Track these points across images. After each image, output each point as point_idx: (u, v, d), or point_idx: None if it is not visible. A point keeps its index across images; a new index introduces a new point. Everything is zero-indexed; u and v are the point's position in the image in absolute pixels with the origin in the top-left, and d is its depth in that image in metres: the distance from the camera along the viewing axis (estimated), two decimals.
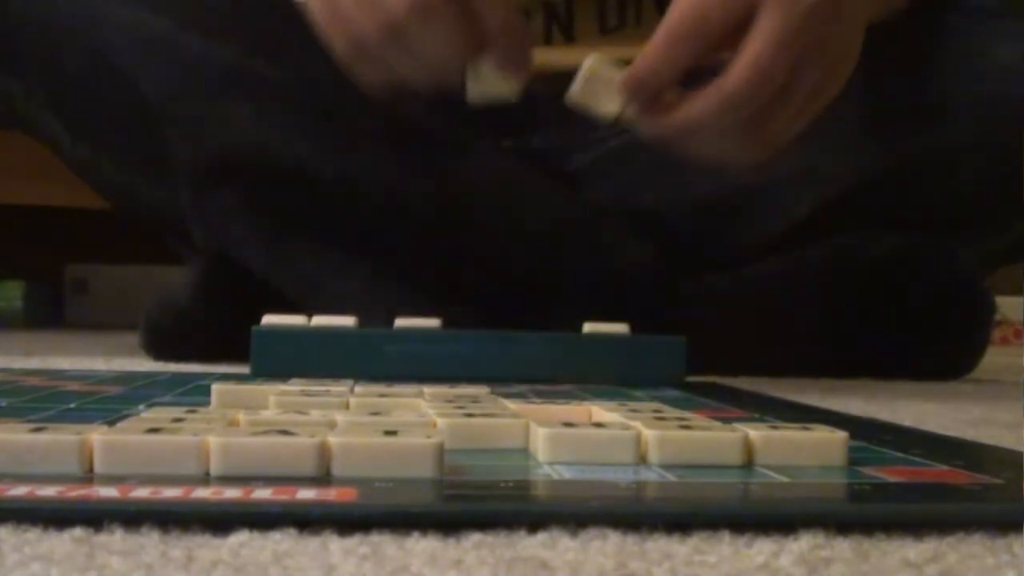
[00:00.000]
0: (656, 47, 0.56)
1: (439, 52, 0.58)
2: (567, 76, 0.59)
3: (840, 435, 0.30)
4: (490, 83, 0.59)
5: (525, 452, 0.31)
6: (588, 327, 0.59)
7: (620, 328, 0.59)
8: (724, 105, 0.55)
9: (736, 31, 0.56)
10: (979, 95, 0.72)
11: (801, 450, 0.29)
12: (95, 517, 0.22)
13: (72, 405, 0.40)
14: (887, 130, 0.74)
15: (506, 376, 0.56)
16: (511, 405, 0.37)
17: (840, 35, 0.58)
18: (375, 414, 0.33)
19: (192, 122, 0.70)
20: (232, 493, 0.23)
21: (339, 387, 0.43)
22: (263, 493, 0.23)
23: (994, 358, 0.84)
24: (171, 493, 0.23)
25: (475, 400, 0.39)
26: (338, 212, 0.70)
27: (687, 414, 0.35)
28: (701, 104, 0.56)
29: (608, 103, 0.58)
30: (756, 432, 0.29)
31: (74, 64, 0.72)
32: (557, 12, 0.80)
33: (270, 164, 0.70)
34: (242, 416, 0.31)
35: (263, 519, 0.22)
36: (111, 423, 0.29)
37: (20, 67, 0.75)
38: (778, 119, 0.58)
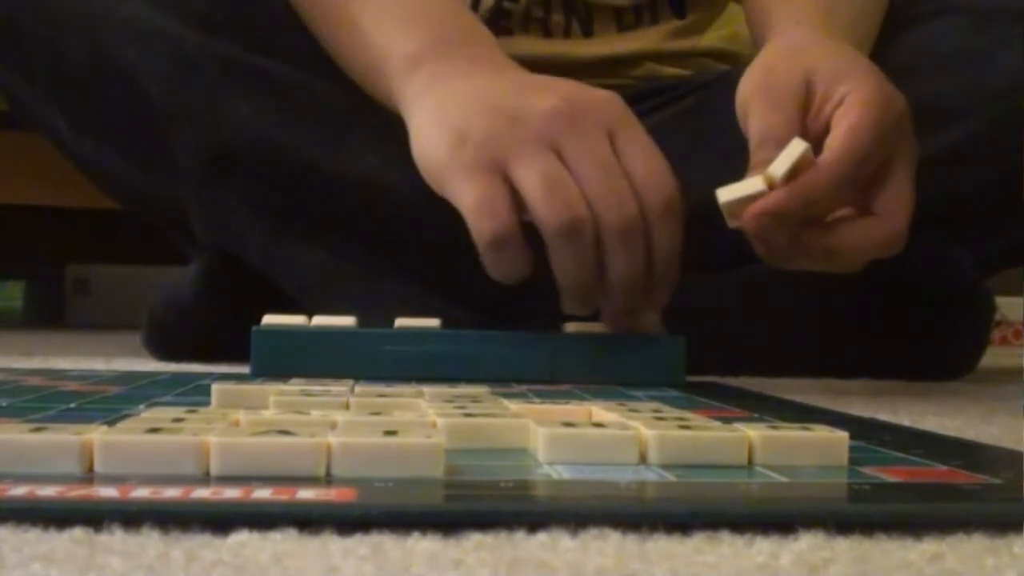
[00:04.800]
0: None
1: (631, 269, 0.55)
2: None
3: (840, 435, 0.30)
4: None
5: (525, 452, 0.31)
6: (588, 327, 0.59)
7: None
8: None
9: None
10: (980, 98, 0.72)
11: (801, 450, 0.29)
12: (95, 517, 0.22)
13: (72, 405, 0.40)
14: None
15: (506, 376, 0.56)
16: (511, 405, 0.37)
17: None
18: (375, 414, 0.33)
19: (192, 116, 0.70)
20: (232, 493, 0.23)
21: (339, 387, 0.43)
22: (263, 493, 0.23)
23: (994, 358, 0.84)
24: (171, 493, 0.23)
25: (475, 400, 0.39)
26: (336, 208, 0.70)
27: (687, 414, 0.35)
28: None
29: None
30: (756, 432, 0.29)
31: (75, 58, 0.72)
32: (577, 7, 0.80)
33: (269, 158, 0.70)
34: (242, 416, 0.31)
35: (263, 519, 0.22)
36: (111, 423, 0.29)
37: (22, 61, 0.75)
38: None
